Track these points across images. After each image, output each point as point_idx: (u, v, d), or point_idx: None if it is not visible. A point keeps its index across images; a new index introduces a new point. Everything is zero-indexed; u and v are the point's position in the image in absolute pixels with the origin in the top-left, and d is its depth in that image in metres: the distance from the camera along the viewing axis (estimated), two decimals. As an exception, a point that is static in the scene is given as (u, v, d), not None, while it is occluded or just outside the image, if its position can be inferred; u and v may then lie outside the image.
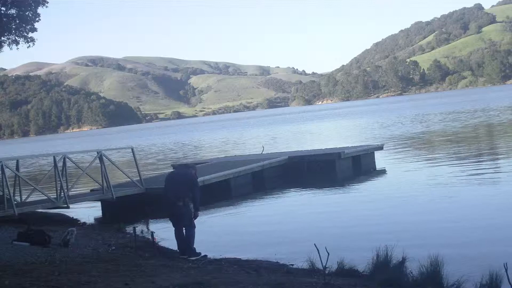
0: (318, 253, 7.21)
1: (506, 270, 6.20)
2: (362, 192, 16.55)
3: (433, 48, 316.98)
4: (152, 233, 11.35)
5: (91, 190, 17.05)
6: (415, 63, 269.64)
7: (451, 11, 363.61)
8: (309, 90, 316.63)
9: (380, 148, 23.46)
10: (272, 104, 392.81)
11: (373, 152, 22.58)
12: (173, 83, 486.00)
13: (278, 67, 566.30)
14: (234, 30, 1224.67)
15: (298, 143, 35.93)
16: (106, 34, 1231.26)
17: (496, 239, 9.57)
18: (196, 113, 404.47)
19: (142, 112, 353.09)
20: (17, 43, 24.05)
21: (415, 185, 16.17)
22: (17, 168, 15.11)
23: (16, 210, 13.19)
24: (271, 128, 68.33)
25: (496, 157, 21.27)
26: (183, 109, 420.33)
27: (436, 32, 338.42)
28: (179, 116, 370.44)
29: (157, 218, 14.30)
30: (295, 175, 20.20)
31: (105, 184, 15.32)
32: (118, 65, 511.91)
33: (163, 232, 11.84)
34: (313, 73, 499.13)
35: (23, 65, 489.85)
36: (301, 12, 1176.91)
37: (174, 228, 10.06)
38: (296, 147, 31.45)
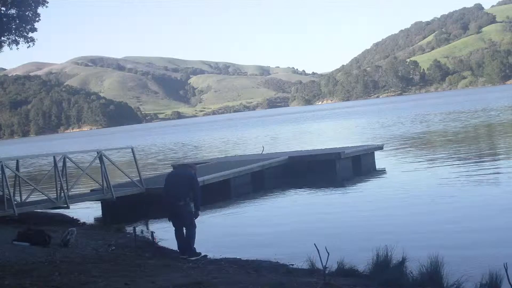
0: (318, 253, 7.21)
1: (506, 270, 6.19)
2: (362, 192, 16.56)
3: (433, 48, 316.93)
4: (152, 233, 11.37)
5: (91, 190, 17.05)
6: (415, 63, 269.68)
7: (451, 11, 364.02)
8: (309, 90, 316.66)
9: (380, 148, 23.46)
10: (272, 104, 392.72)
11: (373, 152, 22.58)
12: (173, 83, 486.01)
13: (278, 67, 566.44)
14: (234, 30, 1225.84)
15: (298, 143, 35.93)
16: (106, 34, 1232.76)
17: (496, 239, 9.57)
18: (196, 113, 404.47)
19: (142, 112, 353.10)
20: (17, 43, 24.09)
21: (415, 185, 16.17)
22: (17, 168, 15.10)
23: (16, 210, 13.19)
24: (271, 128, 68.35)
25: (497, 157, 21.27)
26: (183, 109, 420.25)
27: (436, 32, 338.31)
28: (179, 116, 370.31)
29: (157, 218, 14.30)
30: (295, 175, 20.19)
31: (105, 184, 15.32)
32: (118, 65, 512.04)
33: (163, 232, 11.85)
34: (313, 73, 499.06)
35: (23, 65, 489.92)
36: (301, 12, 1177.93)
37: (174, 228, 10.06)
38: (296, 147, 31.45)
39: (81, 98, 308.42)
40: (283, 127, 69.18)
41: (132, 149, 17.36)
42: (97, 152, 15.78)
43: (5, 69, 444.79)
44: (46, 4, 24.24)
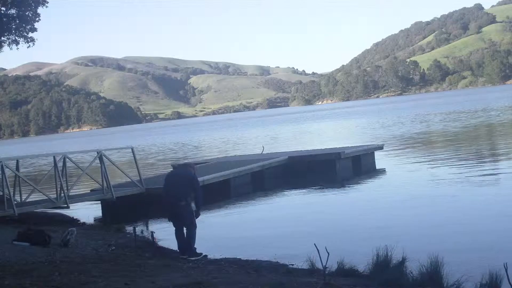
0: (318, 253, 7.21)
1: (506, 270, 6.19)
2: (362, 192, 16.56)
3: (433, 48, 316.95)
4: (152, 233, 11.36)
5: (91, 190, 17.04)
6: (415, 63, 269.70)
7: (451, 11, 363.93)
8: (309, 90, 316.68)
9: (380, 148, 23.46)
10: (272, 104, 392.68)
11: (373, 152, 22.58)
12: (173, 83, 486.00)
13: (278, 67, 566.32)
14: (234, 30, 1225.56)
15: (298, 143, 35.94)
16: (106, 34, 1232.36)
17: (497, 239, 9.57)
18: (196, 113, 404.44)
19: (142, 112, 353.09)
20: (17, 43, 24.09)
21: (415, 185, 16.18)
22: (17, 168, 15.11)
23: (16, 210, 13.19)
24: (271, 128, 68.35)
25: (497, 157, 21.28)
26: (183, 109, 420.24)
27: (436, 32, 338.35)
28: (179, 116, 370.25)
29: (157, 218, 14.30)
30: (295, 175, 20.19)
31: (105, 184, 15.32)
32: (118, 65, 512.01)
33: (163, 232, 11.84)
34: (313, 73, 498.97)
35: (23, 65, 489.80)
36: (301, 12, 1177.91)
37: (174, 228, 10.05)
38: (296, 147, 31.45)
39: (81, 98, 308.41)
40: (283, 127, 69.19)
41: (132, 149, 17.36)
42: (97, 152, 15.78)
43: (5, 69, 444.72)
44: (46, 4, 24.25)
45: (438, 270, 7.02)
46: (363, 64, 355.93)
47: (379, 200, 14.56)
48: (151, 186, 16.34)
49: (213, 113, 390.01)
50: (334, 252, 7.51)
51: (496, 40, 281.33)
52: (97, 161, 15.52)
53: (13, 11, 23.45)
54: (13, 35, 23.81)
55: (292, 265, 8.78)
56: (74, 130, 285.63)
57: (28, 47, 24.51)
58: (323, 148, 24.76)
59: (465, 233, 10.23)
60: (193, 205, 9.91)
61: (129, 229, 12.86)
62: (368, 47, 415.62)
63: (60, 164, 14.54)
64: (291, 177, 20.00)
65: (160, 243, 11.21)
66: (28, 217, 13.95)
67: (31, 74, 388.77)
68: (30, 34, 24.16)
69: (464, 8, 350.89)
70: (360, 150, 21.88)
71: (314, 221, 12.78)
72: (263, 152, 26.02)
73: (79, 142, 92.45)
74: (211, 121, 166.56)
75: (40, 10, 24.04)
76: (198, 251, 9.84)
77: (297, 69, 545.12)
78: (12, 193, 13.74)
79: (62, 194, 14.29)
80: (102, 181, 15.32)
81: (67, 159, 14.92)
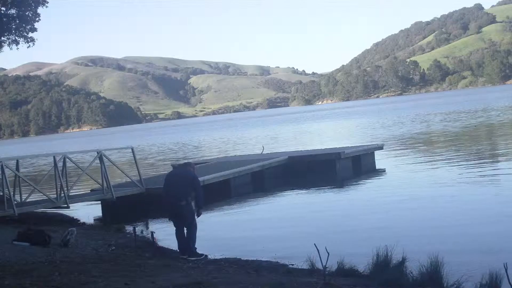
0: (318, 253, 7.21)
1: (506, 270, 6.19)
2: (362, 192, 16.56)
3: (433, 48, 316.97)
4: (152, 233, 11.36)
5: (91, 190, 17.04)
6: (415, 63, 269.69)
7: (451, 11, 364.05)
8: (309, 90, 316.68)
9: (380, 148, 23.45)
10: (272, 104, 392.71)
11: (373, 152, 22.57)
12: (173, 83, 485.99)
13: (278, 67, 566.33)
14: (234, 30, 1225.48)
15: (298, 143, 35.95)
16: (106, 34, 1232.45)
17: (497, 239, 9.56)
18: (196, 113, 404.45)
19: (142, 112, 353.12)
20: (17, 43, 24.08)
21: (415, 185, 16.18)
22: (17, 168, 15.10)
23: (16, 210, 13.19)
24: (271, 128, 68.35)
25: (498, 157, 21.27)
26: (183, 109, 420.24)
27: (436, 32, 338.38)
28: (179, 116, 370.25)
29: (157, 218, 14.30)
30: (295, 175, 20.19)
31: (105, 184, 15.32)
32: (118, 65, 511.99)
33: (163, 232, 11.84)
34: (313, 73, 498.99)
35: (23, 65, 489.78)
36: (301, 12, 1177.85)
37: (175, 228, 10.05)
38: (296, 147, 31.45)
39: (81, 98, 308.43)
40: (283, 127, 69.19)
41: (132, 149, 17.37)
42: (97, 152, 15.78)
43: (5, 69, 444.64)
44: (46, 4, 24.24)
45: (438, 270, 7.02)
46: (363, 64, 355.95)
47: (379, 200, 14.56)
48: (151, 186, 16.34)
49: (213, 113, 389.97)
50: (334, 252, 7.51)
51: (496, 40, 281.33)
52: (97, 161, 15.52)
53: (13, 11, 23.44)
54: (13, 35, 23.81)
55: (292, 265, 8.78)
56: (74, 130, 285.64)
57: (28, 47, 24.52)
58: (323, 148, 24.76)
59: (465, 233, 10.23)
60: (192, 204, 9.91)
61: (129, 229, 12.87)
62: (368, 47, 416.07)
63: (60, 164, 14.54)
64: (291, 177, 19.99)
65: (160, 243, 11.20)
66: (28, 217, 13.95)
67: (31, 74, 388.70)
68: (30, 34, 24.16)
69: (464, 8, 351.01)
70: (360, 150, 21.88)
71: (314, 221, 12.78)
72: (263, 152, 26.02)
73: (79, 142, 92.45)
74: (211, 121, 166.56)
75: (40, 10, 24.05)
76: (198, 251, 9.83)
77: (297, 69, 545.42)
78: (12, 193, 13.74)
79: (62, 194, 14.29)
80: (102, 181, 15.32)
81: (67, 159, 14.92)
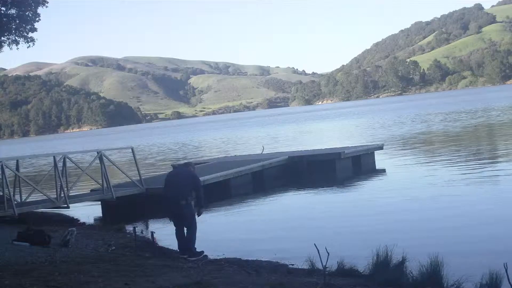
0: (318, 253, 7.21)
1: (506, 270, 6.19)
2: (362, 192, 16.55)
3: (433, 48, 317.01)
4: (152, 233, 11.36)
5: (91, 190, 17.05)
6: (415, 63, 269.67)
7: (451, 11, 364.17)
8: (309, 90, 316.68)
9: (380, 148, 23.44)
10: (272, 104, 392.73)
11: (373, 152, 22.58)
12: (173, 83, 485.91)
13: (278, 67, 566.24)
14: (234, 30, 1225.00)
15: (298, 143, 35.94)
16: (106, 34, 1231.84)
17: (497, 239, 9.57)
18: (196, 113, 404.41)
19: (142, 112, 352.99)
20: (17, 43, 24.07)
21: (415, 185, 16.17)
22: (17, 168, 15.12)
23: (16, 210, 13.20)
24: (271, 128, 68.34)
25: (498, 157, 21.26)
26: (183, 109, 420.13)
27: (436, 32, 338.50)
28: (179, 116, 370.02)
29: (157, 218, 14.30)
30: (295, 175, 20.20)
31: (105, 184, 15.33)
32: (118, 65, 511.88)
33: (163, 232, 11.84)
34: (313, 73, 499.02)
35: (23, 65, 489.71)
36: (301, 12, 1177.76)
37: (175, 228, 10.05)
38: (296, 147, 31.45)
39: (81, 98, 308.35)
40: (283, 127, 69.19)
41: (132, 149, 17.38)
42: (97, 152, 15.79)
43: (5, 69, 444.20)
44: (46, 4, 24.23)
45: (438, 270, 7.01)
46: (363, 64, 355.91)
47: (379, 200, 14.56)
48: (151, 186, 16.35)
49: (213, 113, 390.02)
50: (334, 252, 7.51)
51: (496, 40, 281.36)
52: (97, 161, 15.53)
53: (13, 11, 23.44)
54: (13, 35, 23.80)
55: (292, 265, 8.78)
56: (74, 130, 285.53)
57: (28, 47, 24.50)
58: (323, 148, 24.76)
59: (465, 233, 10.23)
60: (193, 204, 9.91)
61: (129, 229, 12.86)
62: (368, 47, 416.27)
63: (60, 164, 14.55)
64: (291, 177, 20.00)
65: (160, 243, 11.20)
66: (28, 217, 13.95)
67: (31, 74, 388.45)
68: (30, 34, 24.15)
69: (464, 8, 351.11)
70: (360, 150, 21.88)
71: (314, 221, 12.78)
72: (263, 152, 26.02)
73: (79, 142, 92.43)
74: (211, 121, 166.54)
75: (40, 10, 24.03)
76: (198, 250, 9.83)
77: (297, 69, 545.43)
78: (12, 193, 13.75)
79: (62, 194, 14.29)
80: (102, 181, 15.33)
81: (67, 159, 14.92)
